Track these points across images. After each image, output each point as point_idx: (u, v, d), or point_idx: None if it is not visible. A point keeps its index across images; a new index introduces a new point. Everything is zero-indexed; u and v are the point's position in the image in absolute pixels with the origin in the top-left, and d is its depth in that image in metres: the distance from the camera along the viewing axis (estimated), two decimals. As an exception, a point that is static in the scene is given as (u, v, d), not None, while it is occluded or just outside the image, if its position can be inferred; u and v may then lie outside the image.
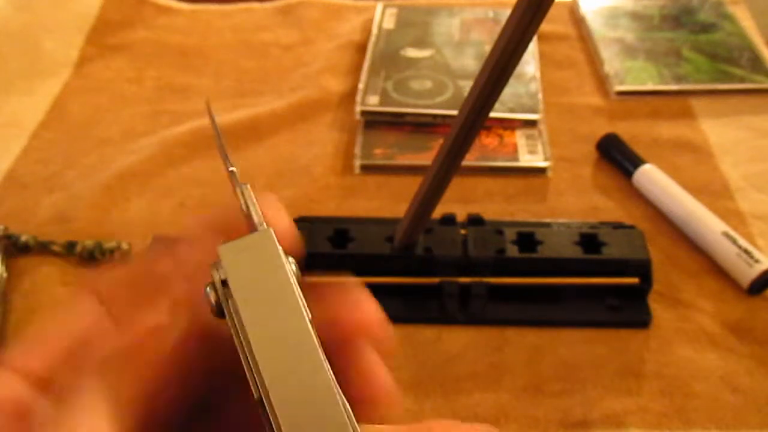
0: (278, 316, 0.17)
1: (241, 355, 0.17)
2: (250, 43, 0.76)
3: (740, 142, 0.62)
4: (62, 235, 0.54)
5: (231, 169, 0.21)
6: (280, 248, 0.18)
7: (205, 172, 0.61)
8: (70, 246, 0.53)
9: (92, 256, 0.53)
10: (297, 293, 0.18)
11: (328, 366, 0.17)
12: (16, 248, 0.53)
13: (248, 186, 0.20)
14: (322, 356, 0.17)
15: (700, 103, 0.66)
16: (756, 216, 0.56)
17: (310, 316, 0.18)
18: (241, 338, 0.17)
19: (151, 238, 0.53)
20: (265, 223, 0.19)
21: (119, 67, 0.73)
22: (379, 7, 0.77)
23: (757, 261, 0.49)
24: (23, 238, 0.53)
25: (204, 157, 0.62)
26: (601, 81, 0.69)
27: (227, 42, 0.76)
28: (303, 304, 0.18)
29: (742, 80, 0.67)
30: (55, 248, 0.53)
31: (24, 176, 0.61)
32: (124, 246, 0.53)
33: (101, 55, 0.74)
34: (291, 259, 0.19)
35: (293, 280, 0.18)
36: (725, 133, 0.63)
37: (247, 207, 0.20)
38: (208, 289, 0.18)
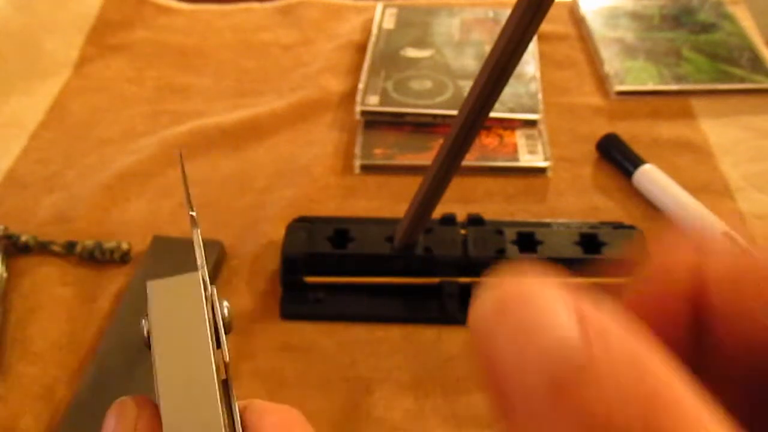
0: (186, 358, 0.19)
1: (155, 389, 0.19)
2: (250, 43, 0.76)
3: (740, 142, 0.62)
4: (62, 235, 0.54)
5: (191, 213, 0.22)
6: (203, 292, 0.20)
7: (205, 172, 0.61)
8: (70, 246, 0.53)
9: (92, 256, 0.53)
10: (208, 339, 0.19)
11: (223, 412, 0.18)
12: (16, 248, 0.53)
13: (198, 231, 0.22)
14: (219, 401, 0.18)
15: (700, 103, 0.66)
16: (756, 216, 0.56)
17: (226, 359, 0.19)
18: (154, 373, 0.19)
19: (151, 238, 0.53)
20: (201, 266, 0.21)
21: (119, 67, 0.73)
22: (379, 7, 0.77)
23: (757, 261, 0.49)
24: (23, 238, 0.53)
25: (204, 157, 0.62)
26: (601, 81, 0.69)
27: (227, 42, 0.76)
28: (211, 349, 0.19)
29: (742, 80, 0.67)
30: (55, 248, 0.53)
31: (24, 176, 0.61)
32: (124, 246, 0.53)
33: (101, 55, 0.74)
34: (224, 303, 0.20)
35: (207, 326, 0.19)
36: (725, 133, 0.63)
37: (195, 248, 0.21)
38: (143, 321, 0.20)
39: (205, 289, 0.20)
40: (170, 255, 0.52)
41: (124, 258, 0.53)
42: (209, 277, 0.52)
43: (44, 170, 0.61)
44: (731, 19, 0.75)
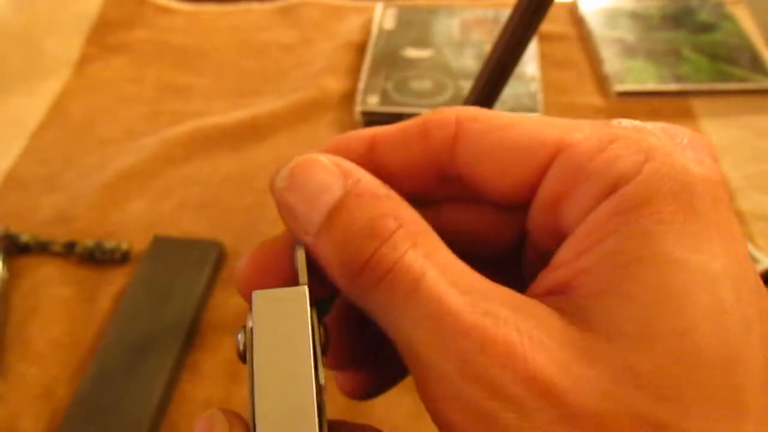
0: (286, 375, 0.18)
1: (249, 404, 0.18)
2: (250, 43, 0.76)
3: (740, 142, 0.62)
4: (62, 235, 0.54)
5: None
6: (308, 308, 0.19)
7: (205, 172, 0.61)
8: (70, 246, 0.53)
9: (92, 256, 0.53)
10: (311, 359, 0.18)
11: (319, 428, 0.17)
12: (16, 248, 0.53)
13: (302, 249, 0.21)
14: (316, 426, 0.17)
15: (700, 103, 0.66)
16: (756, 216, 0.56)
17: (320, 381, 0.18)
18: (251, 388, 0.18)
19: (151, 238, 0.53)
20: (304, 283, 0.20)
21: (119, 67, 0.73)
22: (379, 7, 0.77)
23: (757, 261, 0.49)
24: (23, 238, 0.53)
25: (204, 157, 0.62)
26: (601, 81, 0.69)
27: (227, 42, 0.76)
28: (313, 369, 0.18)
29: (742, 80, 0.67)
30: (55, 248, 0.53)
31: (24, 176, 0.61)
32: (124, 246, 0.53)
33: (101, 55, 0.74)
34: (322, 324, 0.19)
35: (310, 344, 0.18)
36: (725, 133, 0.63)
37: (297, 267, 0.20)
38: (239, 334, 0.19)
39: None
40: (170, 255, 0.52)
41: (124, 258, 0.53)
42: (211, 278, 0.52)
43: (44, 170, 0.61)
44: (731, 19, 0.75)
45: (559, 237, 0.19)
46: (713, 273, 0.16)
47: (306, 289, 0.19)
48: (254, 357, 0.18)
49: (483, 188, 0.20)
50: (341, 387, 0.24)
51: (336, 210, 0.18)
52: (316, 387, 0.18)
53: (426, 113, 0.21)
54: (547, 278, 0.18)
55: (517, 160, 0.19)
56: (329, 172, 0.19)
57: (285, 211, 0.19)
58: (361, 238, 0.18)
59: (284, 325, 0.18)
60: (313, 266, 0.20)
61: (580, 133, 0.19)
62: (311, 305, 0.19)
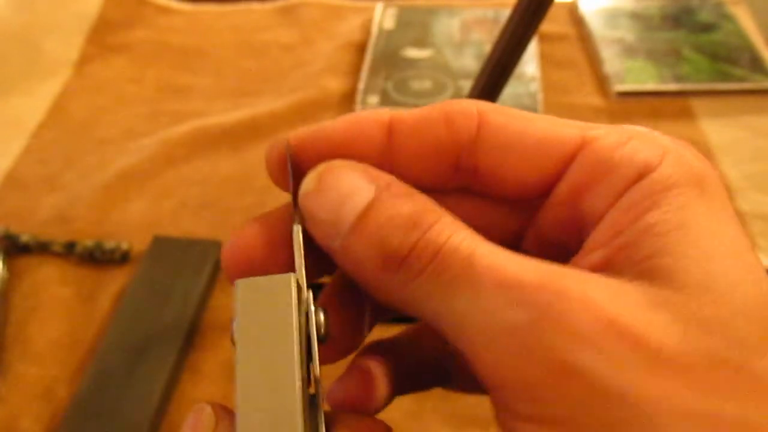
0: (269, 368, 0.17)
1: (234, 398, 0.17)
2: (250, 43, 0.76)
3: (740, 142, 0.62)
4: (62, 235, 0.54)
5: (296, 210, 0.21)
6: (294, 296, 0.18)
7: (205, 172, 0.61)
8: (70, 246, 0.53)
9: (92, 256, 0.53)
10: (294, 344, 0.17)
11: (304, 428, 0.17)
12: (16, 248, 0.53)
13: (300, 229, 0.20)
14: (300, 417, 0.17)
15: (700, 103, 0.66)
16: (756, 216, 0.56)
17: (314, 372, 0.18)
18: (234, 380, 0.17)
19: (151, 238, 0.53)
20: (298, 267, 0.19)
21: (119, 67, 0.73)
22: (379, 7, 0.77)
23: (757, 261, 0.49)
24: (23, 238, 0.53)
25: (204, 157, 0.62)
26: (601, 81, 0.69)
27: (227, 42, 0.76)
28: (297, 362, 0.17)
29: (742, 80, 0.67)
30: (55, 248, 0.53)
31: (24, 176, 0.61)
32: (124, 246, 0.53)
33: (101, 55, 0.74)
34: (320, 311, 0.19)
35: (296, 335, 0.18)
36: (725, 133, 0.63)
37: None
38: (234, 321, 0.18)
39: (300, 293, 0.19)
40: (170, 255, 0.52)
41: (124, 258, 0.53)
42: (211, 278, 0.52)
43: (44, 170, 0.61)
44: (731, 19, 0.75)
45: (576, 227, 0.20)
46: (741, 242, 0.18)
47: (292, 277, 0.18)
48: (237, 349, 0.17)
49: (501, 179, 0.21)
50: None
51: (370, 208, 0.19)
52: (302, 380, 0.17)
53: (444, 102, 0.21)
54: (583, 261, 0.19)
55: (541, 152, 0.20)
56: (359, 175, 0.19)
57: (313, 215, 0.19)
58: (402, 229, 0.18)
59: (268, 315, 0.18)
60: (311, 245, 0.20)
61: (600, 130, 0.20)
62: (308, 289, 0.19)
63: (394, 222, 0.18)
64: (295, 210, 0.20)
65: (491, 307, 0.17)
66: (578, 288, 0.17)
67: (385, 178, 0.19)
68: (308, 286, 0.19)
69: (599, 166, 0.19)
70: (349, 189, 0.19)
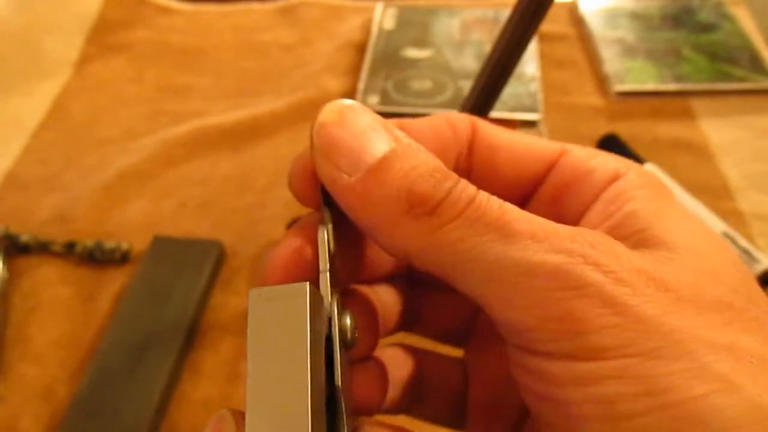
0: (280, 372, 0.17)
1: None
2: (250, 43, 0.76)
3: (740, 142, 0.62)
4: (62, 235, 0.54)
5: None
6: (308, 304, 0.17)
7: (205, 172, 0.61)
8: (70, 246, 0.53)
9: (92, 256, 0.53)
10: (307, 357, 0.17)
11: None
12: (16, 248, 0.53)
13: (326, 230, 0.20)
14: (309, 419, 0.16)
15: (700, 103, 0.66)
16: (756, 216, 0.56)
17: (336, 382, 0.17)
18: (245, 393, 0.17)
19: (151, 238, 0.53)
20: (323, 268, 0.19)
21: (119, 67, 0.73)
22: (379, 7, 0.77)
23: (757, 261, 0.49)
24: (23, 238, 0.53)
25: (204, 157, 0.62)
26: (601, 81, 0.69)
27: (227, 42, 0.76)
28: (309, 365, 0.17)
29: (742, 80, 0.67)
30: (55, 248, 0.53)
31: (24, 176, 0.61)
32: (124, 246, 0.53)
33: (101, 55, 0.74)
34: (347, 316, 0.19)
35: (308, 347, 0.17)
36: (725, 133, 0.63)
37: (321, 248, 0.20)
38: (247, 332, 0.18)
39: (323, 298, 0.18)
40: (170, 255, 0.52)
41: (124, 258, 0.53)
42: (211, 278, 0.51)
43: (44, 170, 0.61)
44: (731, 19, 0.75)
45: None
46: (704, 225, 0.21)
47: (307, 286, 0.18)
48: (248, 359, 0.17)
49: (492, 180, 0.23)
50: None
51: (396, 151, 0.19)
52: (319, 389, 0.17)
53: (440, 113, 0.23)
54: None
55: (527, 156, 0.23)
56: (378, 121, 0.20)
57: (333, 142, 0.19)
58: (433, 177, 0.18)
59: (281, 324, 0.17)
60: (343, 229, 0.19)
61: (573, 146, 0.24)
62: (334, 293, 0.18)
63: (422, 169, 0.18)
64: (321, 209, 0.20)
65: (528, 253, 0.17)
66: (605, 242, 0.18)
67: (401, 132, 0.20)
68: (333, 291, 0.19)
69: (578, 170, 0.23)
70: (370, 127, 0.19)
